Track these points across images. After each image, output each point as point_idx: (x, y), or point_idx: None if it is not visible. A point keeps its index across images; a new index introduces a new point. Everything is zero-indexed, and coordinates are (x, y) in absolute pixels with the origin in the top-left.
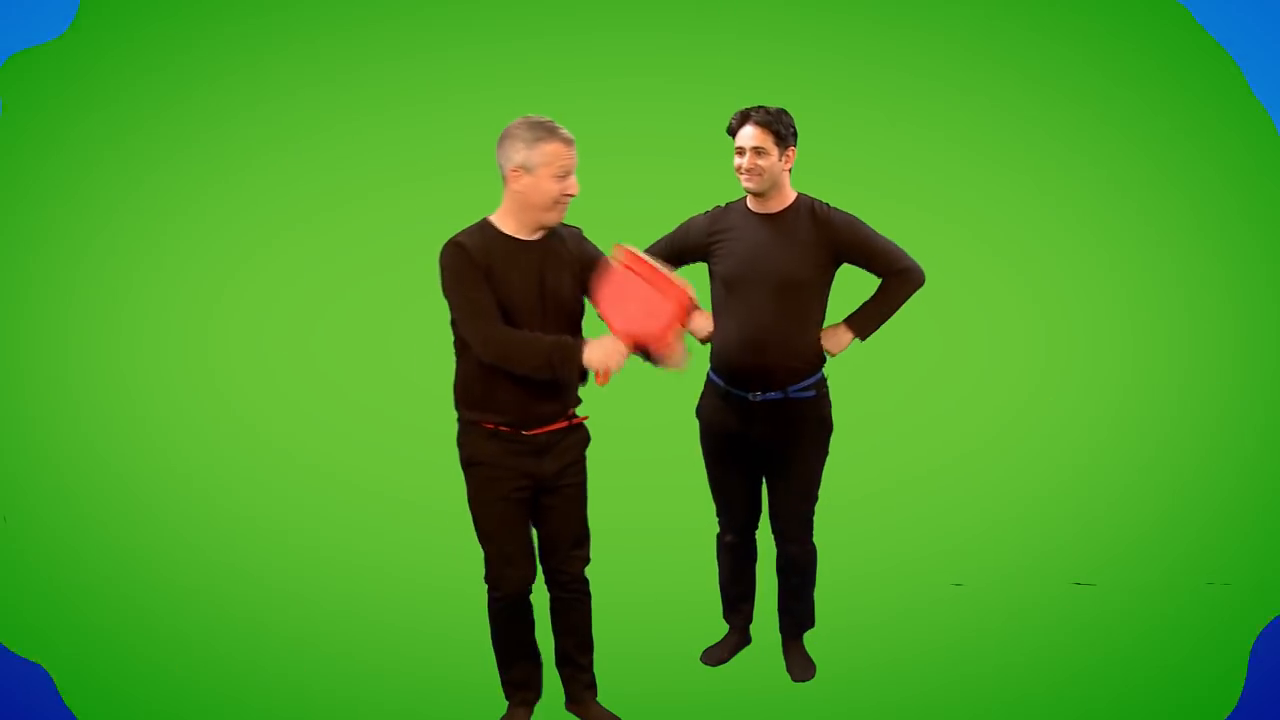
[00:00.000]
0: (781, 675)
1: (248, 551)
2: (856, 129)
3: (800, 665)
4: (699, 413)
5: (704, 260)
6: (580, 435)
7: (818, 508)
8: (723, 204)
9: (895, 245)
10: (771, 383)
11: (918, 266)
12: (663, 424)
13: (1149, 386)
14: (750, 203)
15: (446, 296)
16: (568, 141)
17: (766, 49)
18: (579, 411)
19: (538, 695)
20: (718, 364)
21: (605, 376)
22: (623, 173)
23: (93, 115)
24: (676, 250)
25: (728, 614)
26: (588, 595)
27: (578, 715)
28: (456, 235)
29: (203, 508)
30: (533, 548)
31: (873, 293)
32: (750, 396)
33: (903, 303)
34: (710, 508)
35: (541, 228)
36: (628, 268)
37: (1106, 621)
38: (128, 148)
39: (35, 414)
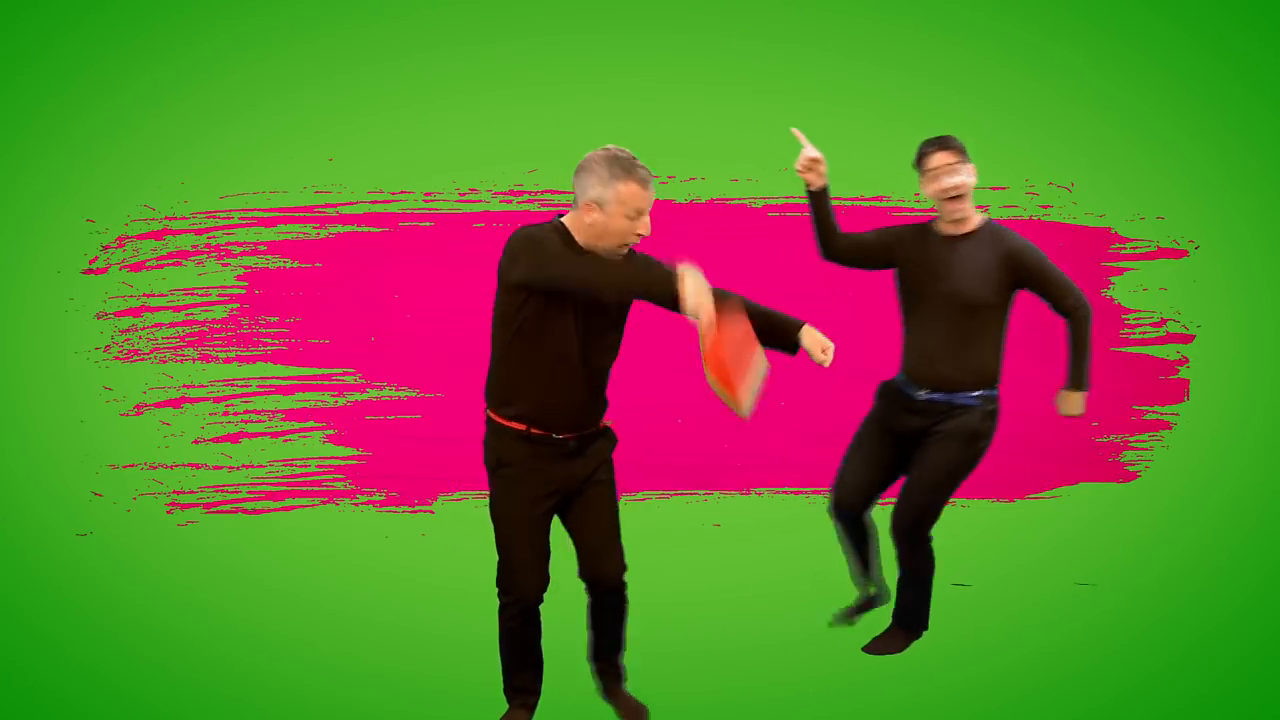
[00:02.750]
0: (781, 676)
1: (248, 551)
2: (857, 129)
3: (888, 643)
4: (876, 394)
5: (895, 267)
6: (608, 437)
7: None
8: (924, 224)
9: (1067, 278)
10: (940, 388)
11: (1084, 301)
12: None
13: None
14: (942, 225)
15: (533, 264)
16: (644, 182)
17: (764, 49)
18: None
19: (538, 697)
20: (903, 365)
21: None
22: None
23: (92, 115)
24: (886, 246)
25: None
26: (624, 600)
27: (612, 705)
28: (537, 225)
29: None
30: (549, 556)
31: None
32: (918, 394)
33: (1089, 338)
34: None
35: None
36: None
37: (1106, 621)
38: (128, 146)
39: (35, 412)
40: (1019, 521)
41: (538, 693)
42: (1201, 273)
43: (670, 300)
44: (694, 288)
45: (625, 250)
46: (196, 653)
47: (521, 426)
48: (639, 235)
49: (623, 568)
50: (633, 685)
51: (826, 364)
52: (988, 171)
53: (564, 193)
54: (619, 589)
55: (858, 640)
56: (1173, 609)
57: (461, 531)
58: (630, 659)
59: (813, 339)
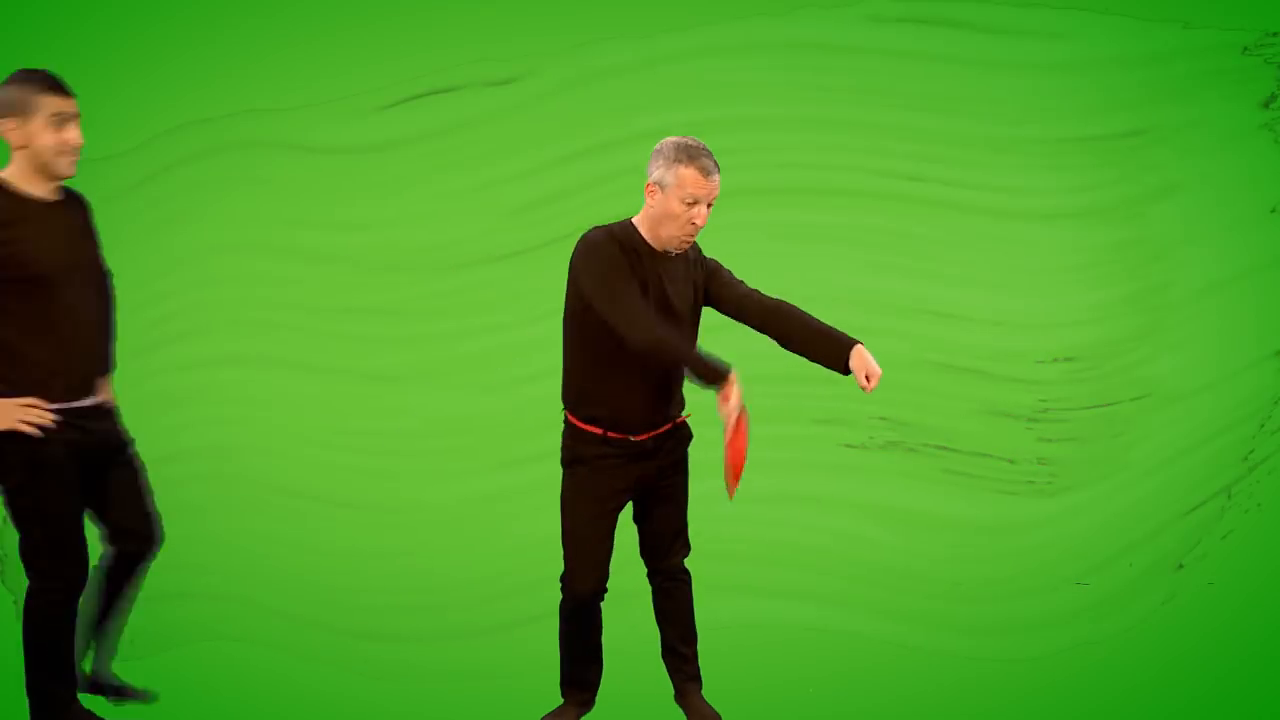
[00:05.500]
0: (780, 675)
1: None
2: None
3: None
4: None
5: None
6: (683, 434)
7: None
8: None
9: None
10: None
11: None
12: None
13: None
14: None
15: (589, 287)
16: (705, 171)
17: (764, 49)
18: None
19: (593, 693)
20: None
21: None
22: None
23: (92, 114)
24: None
25: None
26: (688, 583)
27: (683, 709)
28: (603, 228)
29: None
30: (610, 555)
31: None
32: None
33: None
34: None
35: (666, 249)
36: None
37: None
38: (128, 143)
39: None
40: (1019, 521)
41: (593, 690)
42: (1201, 269)
43: (699, 381)
44: (740, 395)
45: (687, 244)
46: (197, 653)
47: (598, 430)
48: (695, 225)
49: (685, 551)
50: (632, 679)
51: (868, 390)
52: (989, 170)
53: None
54: (682, 571)
55: (856, 639)
56: (1172, 608)
57: (463, 531)
58: (630, 656)
59: (860, 361)
